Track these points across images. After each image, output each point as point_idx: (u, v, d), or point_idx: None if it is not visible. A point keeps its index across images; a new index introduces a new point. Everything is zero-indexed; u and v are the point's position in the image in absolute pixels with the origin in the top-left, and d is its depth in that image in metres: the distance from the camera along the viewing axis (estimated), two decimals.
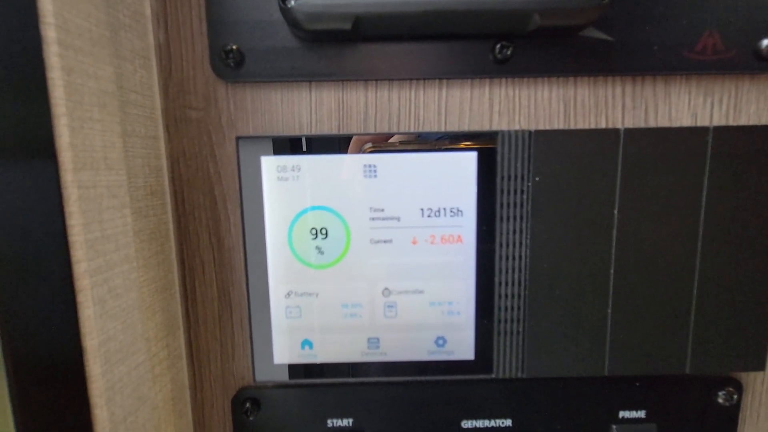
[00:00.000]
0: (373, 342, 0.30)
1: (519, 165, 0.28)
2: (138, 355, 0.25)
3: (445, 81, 0.29)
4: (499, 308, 0.29)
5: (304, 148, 0.28)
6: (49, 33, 0.19)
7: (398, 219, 0.28)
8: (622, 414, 0.32)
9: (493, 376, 0.30)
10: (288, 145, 0.28)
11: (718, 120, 0.29)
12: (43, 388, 0.21)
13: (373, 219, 0.28)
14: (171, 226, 0.30)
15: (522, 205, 0.28)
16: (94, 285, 0.21)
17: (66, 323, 0.21)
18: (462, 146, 0.28)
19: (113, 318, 0.23)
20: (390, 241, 0.28)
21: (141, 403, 0.25)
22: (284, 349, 0.30)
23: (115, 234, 0.23)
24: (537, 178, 0.28)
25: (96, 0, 0.22)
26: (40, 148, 0.19)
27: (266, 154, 0.28)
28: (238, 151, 0.28)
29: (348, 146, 0.28)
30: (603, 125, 0.29)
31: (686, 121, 0.29)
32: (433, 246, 0.28)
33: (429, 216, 0.28)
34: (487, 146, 0.28)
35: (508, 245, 0.29)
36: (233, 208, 0.30)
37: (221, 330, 0.31)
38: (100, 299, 0.22)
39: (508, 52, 0.28)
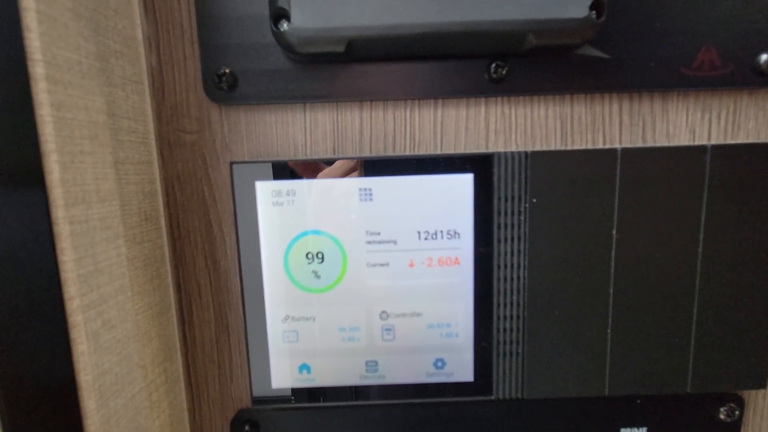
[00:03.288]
0: (372, 365, 0.29)
1: (516, 186, 0.28)
2: (134, 385, 0.25)
3: (440, 100, 0.29)
4: (498, 329, 0.29)
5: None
6: (38, 70, 0.19)
7: (395, 242, 0.28)
8: (623, 431, 0.32)
9: (493, 397, 0.30)
10: (285, 168, 0.28)
11: (717, 136, 0.29)
12: (37, 426, 0.20)
13: (369, 242, 0.28)
14: (166, 250, 0.29)
15: (519, 227, 0.28)
16: (88, 320, 0.21)
17: (60, 360, 0.20)
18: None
19: (108, 351, 0.23)
20: (387, 264, 0.28)
21: None
22: (282, 374, 0.29)
23: (109, 266, 0.23)
24: (534, 200, 0.28)
25: (85, 31, 0.22)
26: (31, 185, 0.19)
27: (261, 178, 0.28)
28: (232, 177, 0.28)
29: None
30: (600, 143, 0.29)
31: (684, 138, 0.29)
32: (431, 268, 0.28)
33: (426, 239, 0.28)
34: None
35: (506, 267, 0.28)
36: (229, 231, 0.30)
37: (219, 353, 0.31)
38: (94, 333, 0.22)
39: (504, 72, 0.28)
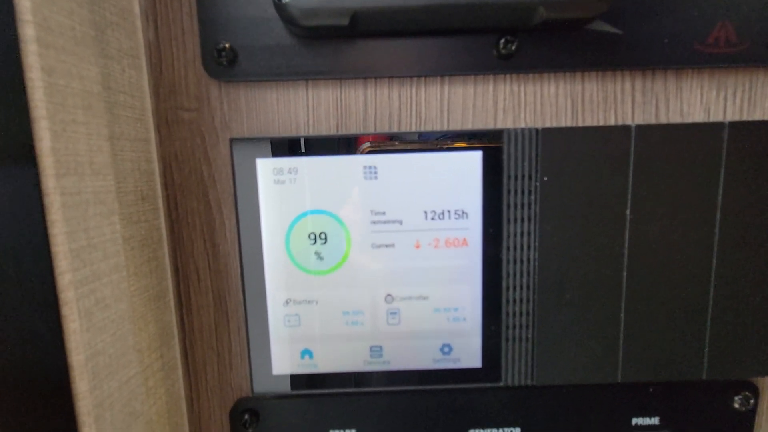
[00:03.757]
0: (376, 350, 0.28)
1: (526, 164, 0.27)
2: (129, 369, 0.24)
3: (447, 78, 0.28)
4: (507, 314, 0.28)
5: (303, 149, 0.27)
6: (28, 31, 0.18)
7: (400, 222, 0.27)
8: (635, 421, 0.31)
9: (502, 384, 0.29)
10: (286, 146, 0.27)
11: (732, 115, 0.28)
12: (27, 408, 0.19)
13: (374, 222, 0.27)
14: (164, 232, 0.28)
15: (530, 206, 0.27)
16: (80, 297, 0.20)
17: (50, 338, 0.19)
18: (464, 146, 0.27)
19: (102, 331, 0.22)
20: (392, 245, 0.27)
21: (133, 418, 0.24)
22: (283, 359, 0.29)
23: (103, 242, 0.22)
24: (545, 178, 0.27)
25: None
26: (20, 153, 0.18)
27: (262, 156, 0.27)
28: (232, 154, 0.27)
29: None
30: (612, 121, 0.28)
31: (699, 117, 0.28)
32: (438, 250, 0.27)
33: (432, 219, 0.27)
34: (491, 145, 0.27)
35: (515, 248, 0.27)
36: (228, 213, 0.29)
37: (218, 339, 0.30)
38: (87, 311, 0.21)
39: (513, 47, 0.27)
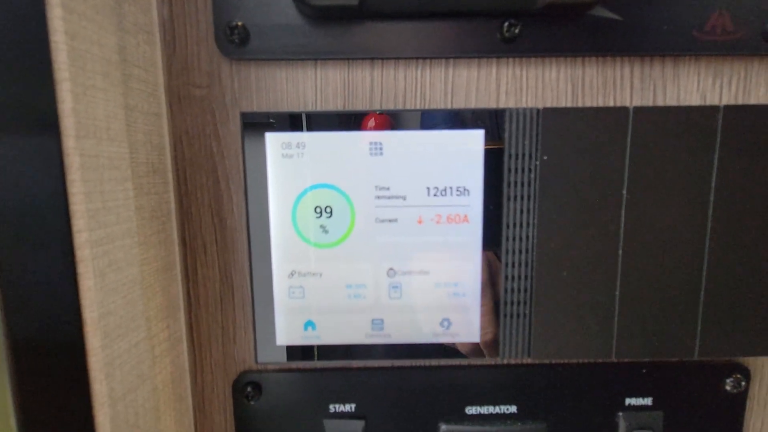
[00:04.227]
0: (377, 323, 0.29)
1: (527, 143, 0.28)
2: (138, 333, 0.25)
3: (451, 60, 0.29)
4: (505, 290, 0.29)
5: (304, 128, 0.28)
6: None
7: (404, 198, 0.28)
8: (628, 401, 0.31)
9: (498, 359, 0.30)
10: (287, 125, 0.28)
11: (727, 102, 0.29)
12: (42, 360, 0.20)
13: (378, 197, 0.28)
14: (173, 205, 0.29)
15: (529, 185, 0.28)
16: (95, 256, 0.21)
17: (66, 294, 0.20)
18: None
19: (114, 292, 0.22)
20: (395, 220, 0.28)
21: (141, 381, 0.25)
22: (287, 330, 0.29)
23: (117, 207, 0.23)
24: (545, 157, 0.28)
25: None
26: (43, 113, 0.19)
27: (270, 130, 0.28)
28: (242, 128, 0.28)
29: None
30: (611, 106, 0.29)
31: (695, 103, 0.29)
32: (439, 226, 0.28)
33: (435, 195, 0.28)
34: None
35: (514, 225, 0.28)
36: (236, 188, 0.30)
37: (222, 312, 0.31)
38: (101, 271, 0.21)
39: (516, 31, 0.27)
